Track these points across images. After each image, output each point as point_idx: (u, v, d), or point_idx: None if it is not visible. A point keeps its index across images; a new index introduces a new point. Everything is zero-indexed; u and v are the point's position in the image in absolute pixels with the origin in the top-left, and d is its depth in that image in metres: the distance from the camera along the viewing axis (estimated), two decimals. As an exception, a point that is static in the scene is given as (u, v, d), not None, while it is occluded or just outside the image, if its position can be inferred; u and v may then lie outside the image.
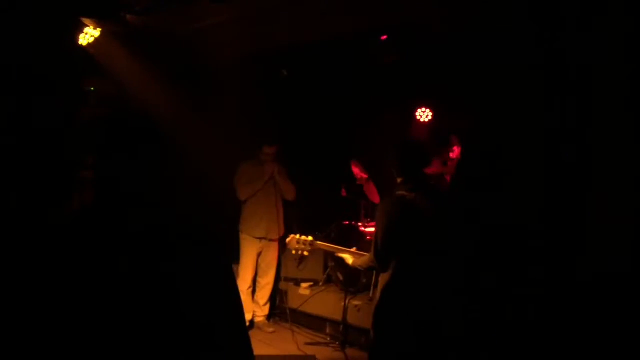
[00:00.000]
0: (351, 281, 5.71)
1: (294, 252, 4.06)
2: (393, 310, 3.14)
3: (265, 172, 5.61)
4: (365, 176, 6.14)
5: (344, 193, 6.44)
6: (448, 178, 5.65)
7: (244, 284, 5.67)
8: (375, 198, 6.08)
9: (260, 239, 5.71)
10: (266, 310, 5.92)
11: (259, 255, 5.78)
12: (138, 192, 1.62)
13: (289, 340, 5.54)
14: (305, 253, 4.08)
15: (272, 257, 5.82)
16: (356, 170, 6.22)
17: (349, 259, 3.82)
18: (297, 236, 4.05)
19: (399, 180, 3.52)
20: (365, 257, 3.61)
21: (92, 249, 1.51)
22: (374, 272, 3.98)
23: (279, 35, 5.61)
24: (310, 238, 4.03)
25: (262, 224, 5.69)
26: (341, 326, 5.42)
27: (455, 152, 5.85)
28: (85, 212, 1.69)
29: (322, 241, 4.14)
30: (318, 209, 6.70)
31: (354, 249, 3.93)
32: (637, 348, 2.97)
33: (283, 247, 5.80)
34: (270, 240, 5.75)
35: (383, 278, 3.39)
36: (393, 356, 3.09)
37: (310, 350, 5.24)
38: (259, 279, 5.86)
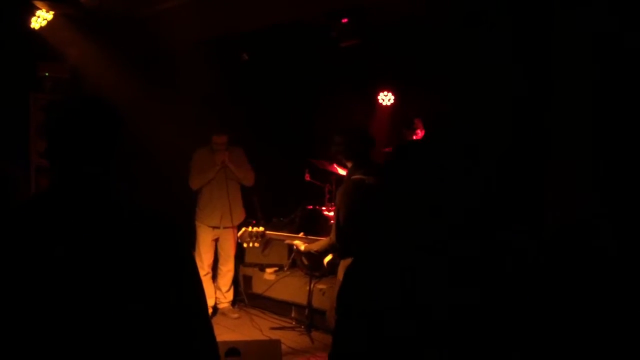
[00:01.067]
0: (316, 265, 5.72)
1: (245, 245, 4.08)
2: (354, 295, 3.16)
3: (215, 161, 5.55)
4: (326, 163, 6.13)
5: (307, 177, 6.43)
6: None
7: (200, 271, 5.63)
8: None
9: (214, 227, 5.66)
10: (229, 296, 5.91)
11: (216, 241, 5.74)
12: (93, 178, 1.58)
13: (253, 326, 5.53)
14: (256, 244, 4.12)
15: (229, 245, 5.78)
16: (317, 163, 6.20)
17: (300, 244, 3.88)
18: (250, 228, 4.07)
19: (349, 164, 3.60)
20: (321, 242, 3.65)
21: (44, 233, 1.47)
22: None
23: (238, 19, 5.53)
24: (261, 229, 4.06)
25: (216, 212, 5.64)
26: (306, 310, 5.44)
27: (418, 136, 5.90)
28: (38, 197, 1.65)
29: (283, 228, 4.17)
30: (282, 194, 6.69)
31: (301, 234, 3.99)
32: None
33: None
34: (225, 228, 5.70)
35: (344, 262, 3.42)
36: (355, 340, 3.10)
37: (275, 335, 5.24)
38: (220, 267, 5.84)
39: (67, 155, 1.58)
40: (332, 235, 3.49)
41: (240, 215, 5.80)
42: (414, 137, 5.89)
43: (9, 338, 1.42)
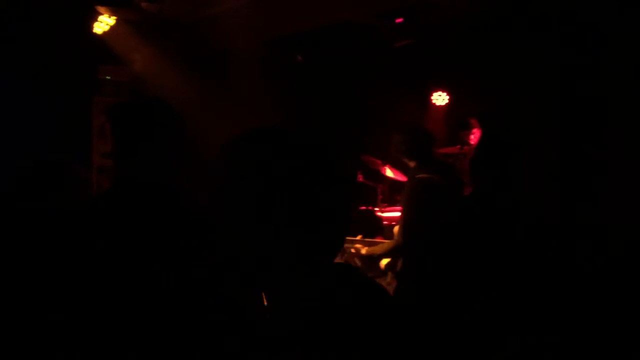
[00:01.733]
0: (370, 266, 5.69)
1: None
2: (410, 299, 3.11)
3: None
4: (378, 162, 6.06)
5: (360, 178, 6.39)
6: (465, 163, 5.59)
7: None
8: (400, 176, 5.91)
9: None
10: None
11: None
12: (155, 177, 1.62)
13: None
14: None
15: None
16: (369, 161, 6.14)
17: (361, 248, 3.82)
18: None
19: (411, 164, 3.52)
20: (385, 244, 3.59)
21: (109, 232, 1.52)
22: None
23: (292, 20, 5.58)
24: None
25: None
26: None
27: (475, 135, 5.77)
28: (102, 197, 1.70)
29: None
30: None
31: (359, 237, 3.95)
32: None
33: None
34: None
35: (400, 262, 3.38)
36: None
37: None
38: None
39: (130, 155, 1.62)
40: (398, 237, 3.42)
41: None
42: (470, 137, 5.78)
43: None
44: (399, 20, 5.33)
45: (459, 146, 5.80)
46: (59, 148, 5.38)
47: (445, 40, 5.87)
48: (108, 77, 6.12)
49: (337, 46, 6.37)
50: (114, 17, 5.38)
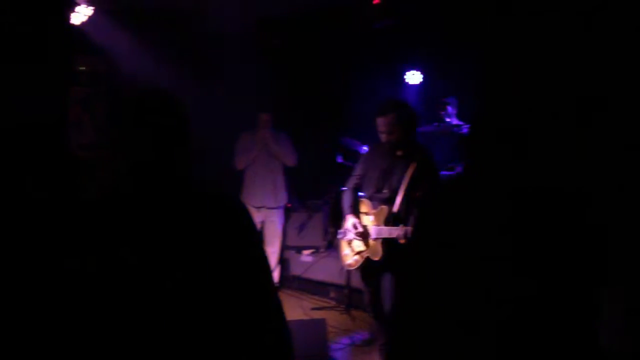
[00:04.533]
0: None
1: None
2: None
3: (257, 139, 5.63)
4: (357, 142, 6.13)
5: (340, 159, 6.46)
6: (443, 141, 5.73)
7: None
8: None
9: (259, 207, 5.75)
10: (275, 277, 5.96)
11: (261, 224, 5.83)
12: (164, 165, 1.63)
13: (295, 306, 5.63)
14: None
15: (274, 226, 5.87)
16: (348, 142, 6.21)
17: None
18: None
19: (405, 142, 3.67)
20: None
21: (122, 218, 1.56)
22: None
23: (270, 3, 5.58)
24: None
25: (258, 192, 5.70)
26: (345, 290, 5.53)
27: (450, 114, 5.89)
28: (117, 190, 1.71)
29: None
30: (317, 176, 6.75)
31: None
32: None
33: (287, 215, 6.07)
34: (269, 208, 5.78)
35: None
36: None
37: (317, 315, 5.33)
38: (265, 248, 5.86)
39: (140, 144, 1.64)
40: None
41: (285, 195, 5.89)
42: (447, 117, 5.89)
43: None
44: (376, 1, 5.41)
45: (436, 124, 5.91)
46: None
47: (420, 19, 5.94)
48: (83, 68, 6.05)
49: (318, 29, 6.40)
50: (92, 8, 5.32)
